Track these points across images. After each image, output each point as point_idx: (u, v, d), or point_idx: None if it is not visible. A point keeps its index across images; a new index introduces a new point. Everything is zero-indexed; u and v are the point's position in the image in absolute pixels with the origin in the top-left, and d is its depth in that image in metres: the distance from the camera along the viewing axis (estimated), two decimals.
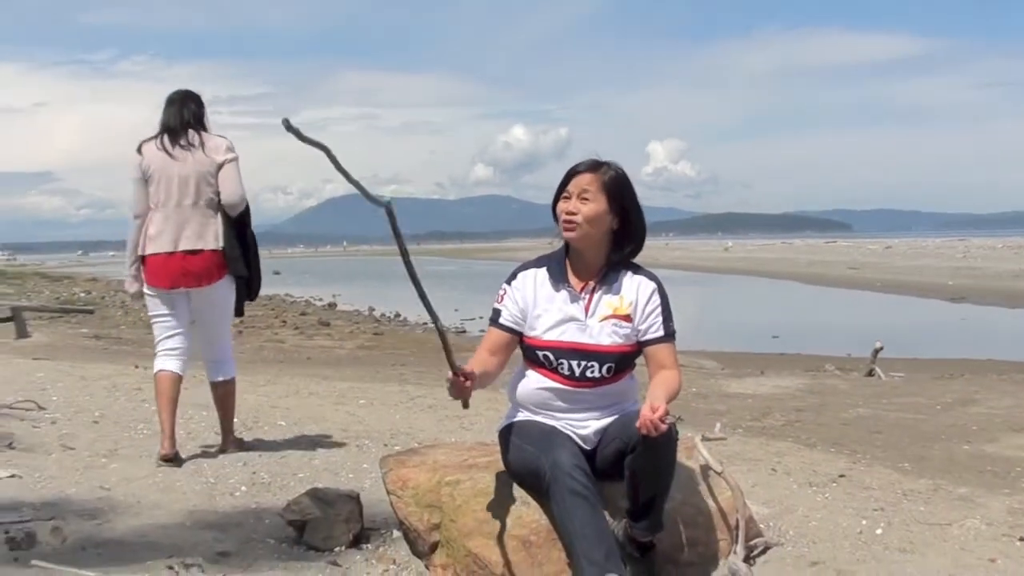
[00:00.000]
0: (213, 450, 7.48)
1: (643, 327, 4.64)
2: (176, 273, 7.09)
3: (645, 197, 4.78)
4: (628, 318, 4.63)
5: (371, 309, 38.97)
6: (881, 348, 16.13)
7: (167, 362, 7.28)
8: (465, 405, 4.57)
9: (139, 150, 7.20)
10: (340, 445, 7.74)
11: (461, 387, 4.35)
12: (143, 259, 7.15)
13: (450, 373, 4.33)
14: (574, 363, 4.61)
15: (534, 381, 4.72)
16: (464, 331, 30.30)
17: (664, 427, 4.10)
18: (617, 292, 4.67)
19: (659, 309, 4.66)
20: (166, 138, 7.16)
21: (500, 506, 4.63)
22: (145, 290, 7.21)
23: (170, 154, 7.11)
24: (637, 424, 4.14)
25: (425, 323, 33.88)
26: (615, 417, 4.67)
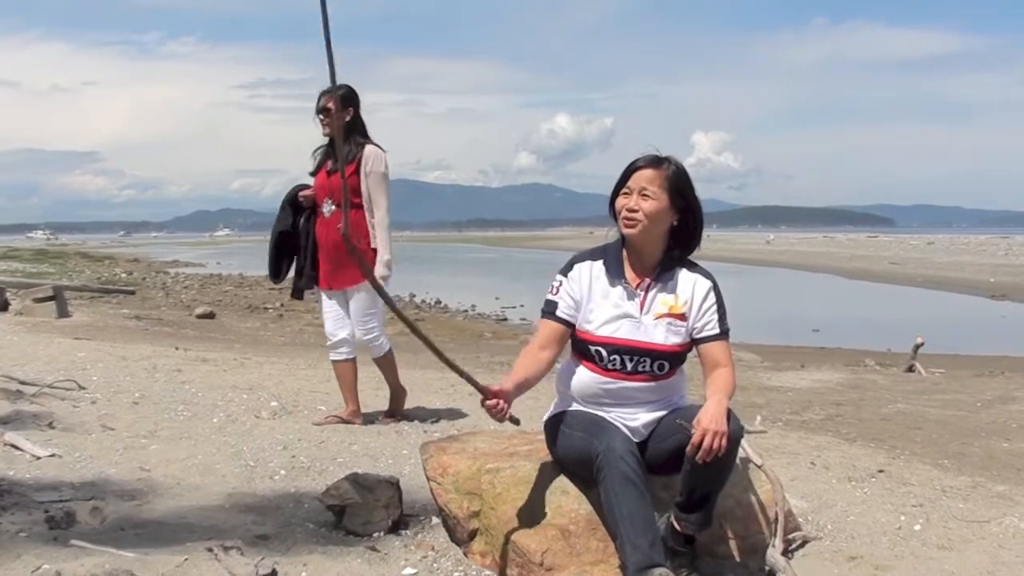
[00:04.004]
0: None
1: (698, 324, 4.61)
2: None
3: None
4: (683, 317, 4.60)
5: (412, 295, 39.01)
6: (922, 344, 16.02)
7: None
8: (514, 422, 4.56)
9: (383, 149, 7.89)
10: (379, 431, 7.75)
11: (495, 409, 4.34)
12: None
13: (481, 398, 4.33)
14: (626, 358, 4.59)
15: (584, 375, 4.69)
16: (505, 319, 30.36)
17: (720, 454, 4.17)
18: (672, 290, 4.63)
19: (715, 307, 4.63)
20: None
21: (540, 495, 4.63)
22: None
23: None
24: (688, 448, 4.19)
25: (466, 310, 33.91)
26: (668, 411, 4.65)
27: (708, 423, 4.17)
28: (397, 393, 8.46)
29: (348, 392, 8.18)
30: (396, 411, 8.42)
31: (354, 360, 8.21)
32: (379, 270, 7.67)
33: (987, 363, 17.91)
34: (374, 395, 9.07)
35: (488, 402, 4.33)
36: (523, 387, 4.56)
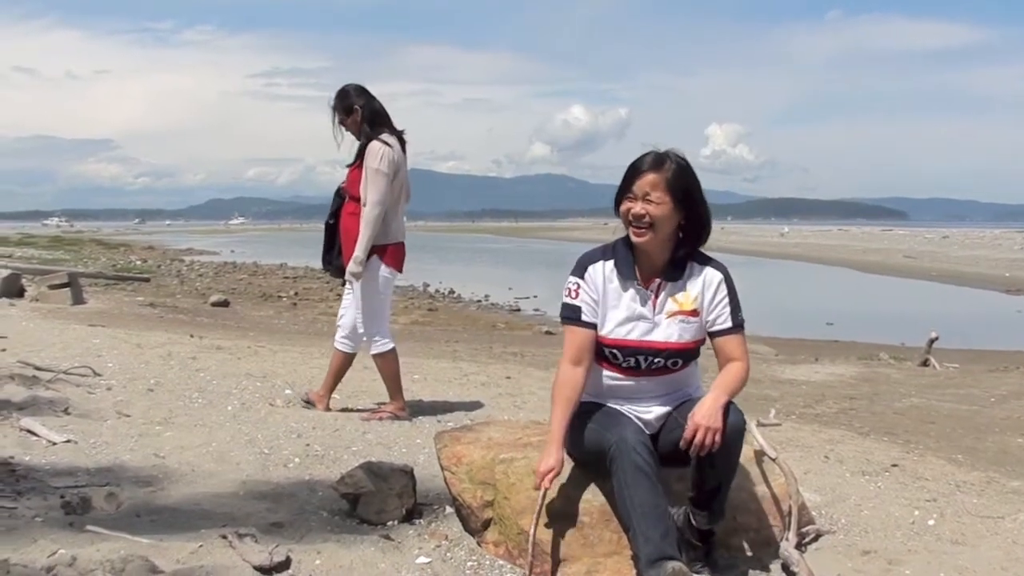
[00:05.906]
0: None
1: (710, 318, 4.58)
2: (404, 259, 8.09)
3: (702, 180, 4.63)
4: (695, 313, 4.58)
5: (426, 285, 39.03)
6: (936, 338, 15.99)
7: (391, 339, 8.13)
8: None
9: (388, 144, 7.67)
10: (393, 420, 7.74)
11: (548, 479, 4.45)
12: (385, 247, 7.83)
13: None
14: (640, 358, 4.58)
15: (599, 373, 4.69)
16: (518, 310, 30.26)
17: (715, 447, 4.21)
18: (683, 288, 4.60)
19: (726, 300, 4.58)
20: (396, 136, 7.82)
21: (554, 485, 4.63)
22: (384, 274, 7.88)
23: (404, 152, 7.81)
24: (681, 442, 4.25)
25: (479, 300, 33.83)
26: (680, 403, 4.64)
27: (700, 419, 4.20)
28: (394, 397, 8.04)
29: (327, 378, 8.23)
30: (393, 414, 7.92)
31: (344, 354, 8.15)
32: (349, 266, 7.69)
33: (1002, 358, 17.85)
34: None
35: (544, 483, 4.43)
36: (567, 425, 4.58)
